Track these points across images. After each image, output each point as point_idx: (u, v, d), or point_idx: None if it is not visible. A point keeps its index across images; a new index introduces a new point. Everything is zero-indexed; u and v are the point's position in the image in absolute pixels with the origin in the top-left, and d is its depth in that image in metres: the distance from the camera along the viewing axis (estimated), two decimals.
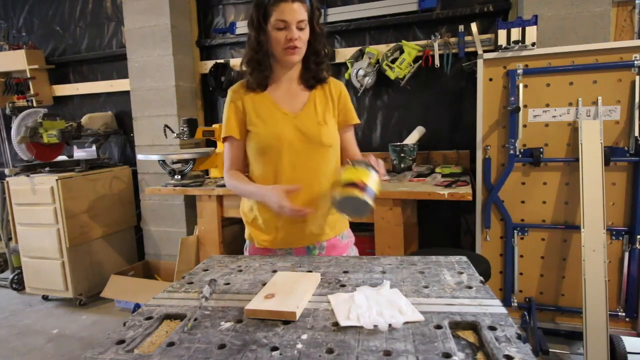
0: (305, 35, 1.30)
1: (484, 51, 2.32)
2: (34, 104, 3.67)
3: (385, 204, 2.24)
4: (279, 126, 1.33)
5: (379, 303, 0.87)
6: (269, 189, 1.27)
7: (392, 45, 2.80)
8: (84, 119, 3.44)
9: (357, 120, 1.45)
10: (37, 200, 3.03)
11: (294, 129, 1.33)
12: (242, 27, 3.25)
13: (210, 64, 3.30)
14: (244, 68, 1.40)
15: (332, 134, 1.37)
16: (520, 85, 2.20)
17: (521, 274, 2.34)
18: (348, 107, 1.44)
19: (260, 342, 0.77)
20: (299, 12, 1.26)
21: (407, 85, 2.76)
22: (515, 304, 2.34)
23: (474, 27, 2.50)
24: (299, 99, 1.39)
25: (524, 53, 2.19)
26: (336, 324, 0.82)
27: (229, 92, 1.43)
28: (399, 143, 2.69)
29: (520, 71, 2.19)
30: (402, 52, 2.74)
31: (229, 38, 3.32)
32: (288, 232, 1.38)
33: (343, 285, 1.01)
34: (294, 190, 1.24)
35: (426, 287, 0.98)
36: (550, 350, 2.10)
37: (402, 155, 2.61)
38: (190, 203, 3.21)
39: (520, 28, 2.20)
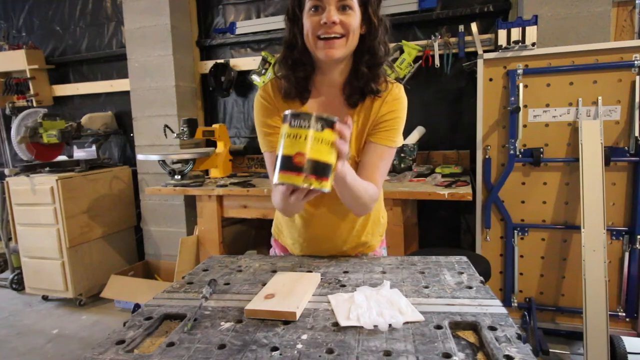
0: (351, 21, 0.97)
1: (484, 51, 2.32)
2: (34, 104, 3.67)
3: (386, 204, 2.21)
4: None
5: (379, 303, 0.87)
6: None
7: (392, 45, 2.79)
8: (84, 119, 3.44)
9: (388, 143, 1.07)
10: (37, 200, 3.03)
11: None
12: (242, 27, 3.25)
13: (210, 64, 3.30)
14: (277, 71, 1.12)
15: None
16: (520, 85, 2.20)
17: (521, 274, 2.34)
18: (386, 126, 1.06)
19: (260, 342, 0.77)
20: None
21: (407, 85, 2.76)
22: (516, 304, 2.34)
23: (474, 27, 2.50)
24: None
25: (524, 53, 2.19)
26: (336, 324, 0.82)
27: (263, 91, 1.13)
28: None
29: (520, 71, 2.19)
30: (402, 52, 2.74)
31: (229, 38, 3.32)
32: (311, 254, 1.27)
33: (343, 285, 1.01)
34: None
35: (426, 287, 0.98)
36: (550, 350, 2.10)
37: (402, 155, 2.61)
38: (190, 203, 3.20)
39: (520, 28, 2.20)
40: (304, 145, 0.74)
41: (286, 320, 0.84)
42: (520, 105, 2.20)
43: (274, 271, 1.13)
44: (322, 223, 1.19)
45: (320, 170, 0.76)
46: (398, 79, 2.68)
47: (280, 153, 0.76)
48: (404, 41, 2.75)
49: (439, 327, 0.79)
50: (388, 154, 1.10)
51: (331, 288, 1.00)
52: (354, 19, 0.98)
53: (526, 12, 2.33)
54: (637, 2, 2.37)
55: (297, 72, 1.07)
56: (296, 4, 1.03)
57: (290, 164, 0.74)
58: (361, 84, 1.05)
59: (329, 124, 0.75)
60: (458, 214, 2.89)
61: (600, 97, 2.10)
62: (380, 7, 1.04)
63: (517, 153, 2.24)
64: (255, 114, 1.14)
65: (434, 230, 2.94)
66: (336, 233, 1.22)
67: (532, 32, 2.19)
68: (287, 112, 0.78)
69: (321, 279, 1.05)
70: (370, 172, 1.07)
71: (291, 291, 0.93)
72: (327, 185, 0.78)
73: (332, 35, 0.97)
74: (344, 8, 0.97)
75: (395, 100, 1.08)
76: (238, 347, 0.75)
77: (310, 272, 1.11)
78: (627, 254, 2.16)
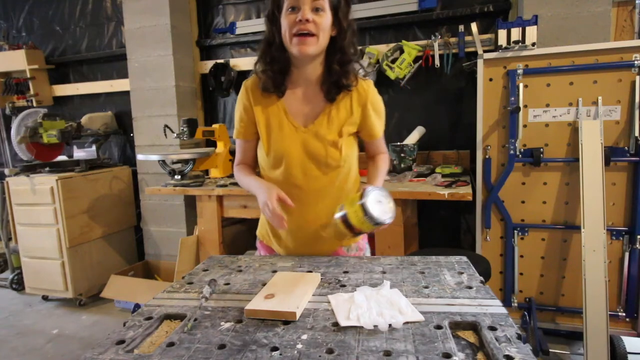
0: (322, 21, 1.12)
1: (484, 51, 2.32)
2: (34, 104, 3.67)
3: None
4: (285, 141, 1.21)
5: (379, 303, 0.87)
6: (264, 186, 1.19)
7: (392, 45, 2.79)
8: (83, 119, 3.44)
9: (379, 136, 1.32)
10: (37, 200, 3.02)
11: (301, 145, 1.21)
12: (242, 27, 3.25)
13: (210, 64, 3.30)
14: (257, 67, 1.24)
15: (344, 155, 1.22)
16: (521, 85, 2.20)
17: (521, 274, 2.34)
18: (373, 120, 1.26)
19: (260, 342, 0.77)
20: None
21: (407, 85, 2.76)
22: (516, 304, 2.34)
23: (474, 27, 2.50)
24: (314, 109, 1.23)
25: (524, 53, 2.19)
26: (336, 324, 0.82)
27: (243, 86, 1.29)
28: (399, 143, 2.69)
29: (520, 71, 2.19)
30: (402, 52, 2.74)
31: (229, 38, 3.32)
32: (292, 245, 1.33)
33: (343, 285, 1.01)
34: (286, 202, 1.14)
35: (426, 287, 0.98)
36: (550, 350, 2.10)
37: (402, 155, 2.61)
38: (190, 203, 3.20)
39: (520, 28, 2.20)
40: (359, 223, 1.05)
41: (286, 320, 0.84)
42: (520, 105, 2.20)
43: (274, 271, 1.13)
44: (301, 209, 1.25)
45: (359, 233, 1.10)
46: (398, 79, 2.71)
47: (349, 218, 1.06)
48: (404, 41, 2.75)
49: (439, 327, 0.79)
50: (381, 140, 1.36)
51: (331, 288, 1.00)
52: (325, 19, 1.13)
53: (526, 12, 2.33)
54: (637, 2, 2.37)
55: (274, 66, 1.20)
56: (275, 6, 1.17)
57: (351, 228, 1.06)
58: (334, 80, 1.20)
59: (378, 224, 1.05)
60: (458, 214, 2.89)
61: (600, 97, 2.10)
62: (350, 13, 1.19)
63: (517, 153, 2.24)
64: (236, 104, 1.32)
65: (434, 230, 2.94)
66: (315, 217, 1.26)
67: (532, 32, 2.19)
68: (366, 206, 1.04)
69: (321, 279, 1.06)
70: (377, 151, 1.36)
71: (291, 291, 0.93)
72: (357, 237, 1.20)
73: (306, 32, 1.10)
74: (316, 9, 1.11)
75: (371, 99, 1.25)
76: (238, 347, 0.75)
77: (310, 272, 1.11)
78: (627, 254, 2.16)
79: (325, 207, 1.24)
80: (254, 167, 1.37)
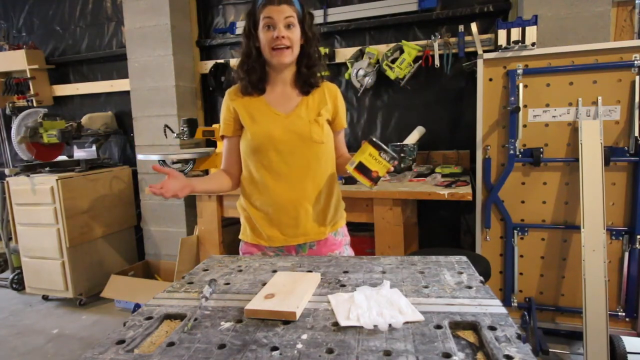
0: (294, 35, 1.31)
1: (484, 51, 2.32)
2: (34, 104, 3.67)
3: (385, 204, 2.24)
4: (270, 126, 1.35)
5: (379, 303, 0.87)
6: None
7: (392, 45, 2.80)
8: (84, 119, 3.44)
9: (346, 125, 1.51)
10: (37, 200, 3.03)
11: (285, 128, 1.34)
12: (242, 27, 3.24)
13: (210, 64, 3.30)
14: (238, 74, 1.43)
15: (324, 132, 1.38)
16: (520, 85, 2.20)
17: (521, 274, 2.34)
18: (342, 111, 1.47)
19: (260, 342, 0.77)
20: (286, 11, 1.28)
21: (407, 85, 2.76)
22: (515, 304, 2.34)
23: (474, 27, 2.50)
24: (292, 101, 1.40)
25: (524, 53, 2.19)
26: (336, 324, 0.82)
27: (226, 93, 1.46)
28: (399, 143, 2.69)
29: (520, 71, 2.19)
30: (402, 52, 2.74)
31: (229, 38, 3.32)
32: (281, 229, 1.39)
33: (343, 285, 1.01)
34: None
35: (426, 287, 0.98)
36: (550, 350, 2.10)
37: (402, 155, 2.61)
38: (190, 203, 3.21)
39: (520, 28, 2.20)
40: (375, 163, 1.23)
41: (286, 320, 0.84)
42: (520, 105, 2.20)
43: (274, 271, 1.13)
44: (289, 186, 1.37)
45: (375, 178, 1.24)
46: (398, 79, 2.72)
47: (365, 164, 1.23)
48: (404, 41, 2.75)
49: (438, 327, 0.79)
50: (343, 133, 1.54)
51: (331, 288, 1.00)
52: (296, 34, 1.32)
53: (526, 12, 2.33)
54: (637, 2, 2.38)
55: (252, 76, 1.38)
56: (251, 24, 1.35)
57: (367, 173, 1.23)
58: (304, 79, 1.40)
59: (394, 158, 1.23)
60: (458, 214, 2.89)
61: (600, 97, 2.10)
62: (313, 23, 1.39)
63: (517, 153, 2.25)
64: (221, 109, 1.47)
65: (434, 230, 2.94)
66: (303, 194, 1.37)
67: (532, 32, 2.19)
68: (377, 141, 1.23)
69: (321, 279, 1.06)
70: (342, 148, 1.52)
71: (291, 291, 0.93)
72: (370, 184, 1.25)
73: (282, 46, 1.29)
74: (288, 26, 1.30)
75: (331, 84, 1.46)
76: (238, 347, 0.75)
77: (310, 272, 1.11)
78: (626, 254, 2.16)
79: (312, 184, 1.37)
80: (237, 170, 1.46)
